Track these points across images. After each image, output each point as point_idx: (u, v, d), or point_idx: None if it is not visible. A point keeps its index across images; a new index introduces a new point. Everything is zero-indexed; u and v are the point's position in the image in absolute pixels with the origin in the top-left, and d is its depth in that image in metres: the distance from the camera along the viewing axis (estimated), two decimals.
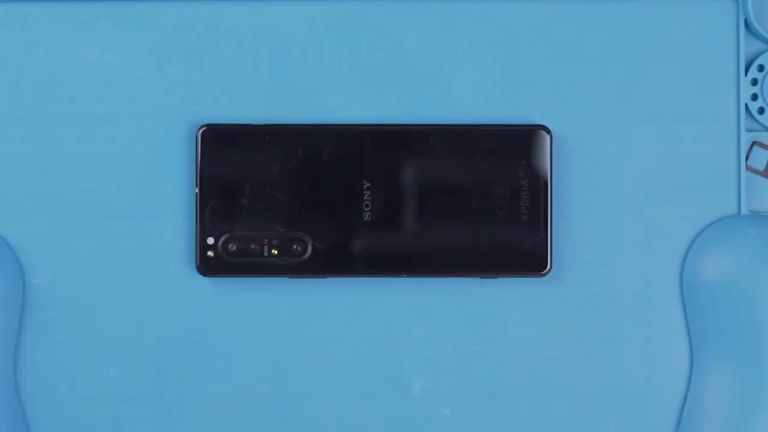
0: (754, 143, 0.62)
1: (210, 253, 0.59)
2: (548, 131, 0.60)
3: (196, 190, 0.59)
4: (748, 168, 0.61)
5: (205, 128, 0.59)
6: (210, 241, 0.59)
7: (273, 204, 0.59)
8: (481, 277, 0.60)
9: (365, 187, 0.59)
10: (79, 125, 0.61)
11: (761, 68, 0.61)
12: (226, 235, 0.59)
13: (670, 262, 0.61)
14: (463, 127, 0.60)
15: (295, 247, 0.59)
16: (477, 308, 0.61)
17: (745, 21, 0.61)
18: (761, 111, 0.62)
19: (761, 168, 0.62)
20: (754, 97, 0.62)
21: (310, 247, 0.59)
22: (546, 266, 0.59)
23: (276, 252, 0.59)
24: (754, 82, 0.62)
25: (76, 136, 0.61)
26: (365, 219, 0.59)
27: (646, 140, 0.61)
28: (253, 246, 0.59)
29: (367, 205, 0.59)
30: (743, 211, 0.61)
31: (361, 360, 0.61)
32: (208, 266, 0.59)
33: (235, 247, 0.59)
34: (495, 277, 0.60)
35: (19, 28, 0.61)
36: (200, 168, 0.59)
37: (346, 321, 0.61)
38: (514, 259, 0.59)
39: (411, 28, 0.61)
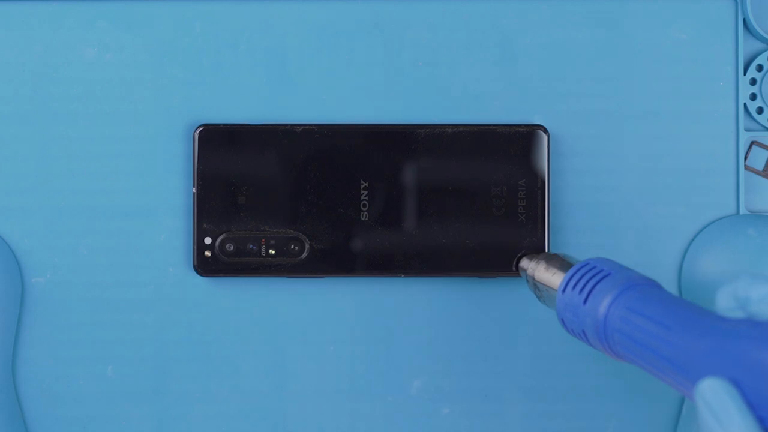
0: (752, 143, 0.62)
1: (207, 253, 0.59)
2: (546, 131, 0.60)
3: (194, 189, 0.59)
4: (746, 168, 0.61)
5: (202, 128, 0.60)
6: (207, 240, 0.59)
7: (270, 204, 0.59)
8: (478, 277, 0.60)
9: (362, 186, 0.59)
10: (78, 125, 0.61)
11: (760, 68, 0.61)
12: (224, 235, 0.59)
13: (668, 262, 0.61)
14: (460, 126, 0.60)
15: (292, 247, 0.59)
16: (475, 308, 0.61)
17: (744, 21, 0.61)
18: (760, 111, 0.61)
19: (760, 168, 0.62)
20: (753, 96, 0.61)
21: (307, 247, 0.59)
22: None
23: (273, 252, 0.59)
24: (753, 81, 0.61)
25: (74, 135, 0.61)
26: (363, 219, 0.59)
27: (645, 140, 0.61)
28: (251, 246, 0.59)
29: (364, 205, 0.59)
30: (742, 210, 0.61)
31: (359, 360, 0.61)
32: (205, 266, 0.59)
33: (232, 247, 0.59)
34: (493, 277, 0.60)
35: (18, 28, 0.61)
36: (197, 168, 0.59)
37: (343, 321, 0.61)
38: (512, 259, 0.59)
39: (408, 28, 0.61)
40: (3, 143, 0.61)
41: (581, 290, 0.48)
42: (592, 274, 0.49)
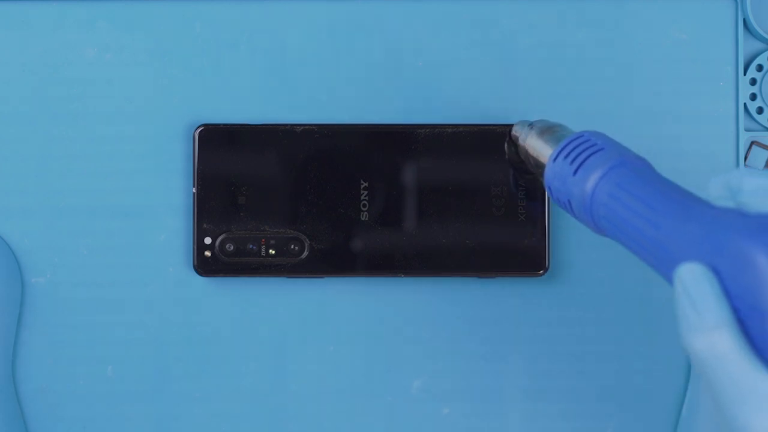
0: (752, 143, 0.62)
1: (207, 253, 0.59)
2: None
3: (194, 189, 0.59)
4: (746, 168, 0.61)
5: (202, 128, 0.60)
6: (207, 241, 0.59)
7: (270, 204, 0.59)
8: (479, 278, 0.60)
9: (362, 186, 0.59)
10: (78, 125, 0.61)
11: (760, 68, 0.61)
12: (224, 235, 0.59)
13: None
14: (460, 126, 0.60)
15: (292, 247, 0.59)
16: (475, 308, 0.61)
17: (744, 21, 0.61)
18: (760, 111, 0.61)
19: (760, 168, 0.62)
20: (753, 96, 0.61)
21: (307, 247, 0.59)
22: (544, 266, 0.59)
23: (273, 252, 0.59)
24: (753, 81, 0.61)
25: (74, 135, 0.61)
26: (362, 219, 0.59)
27: (644, 140, 0.61)
28: (251, 246, 0.59)
29: (364, 205, 0.59)
30: None
31: (359, 360, 0.61)
32: (205, 266, 0.59)
33: (232, 247, 0.59)
34: (493, 278, 0.60)
35: (18, 28, 0.61)
36: (197, 168, 0.59)
37: (343, 321, 0.61)
38: (512, 259, 0.59)
39: (408, 28, 0.61)
40: (3, 143, 0.61)
41: (573, 161, 0.48)
42: (585, 147, 0.49)
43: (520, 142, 0.55)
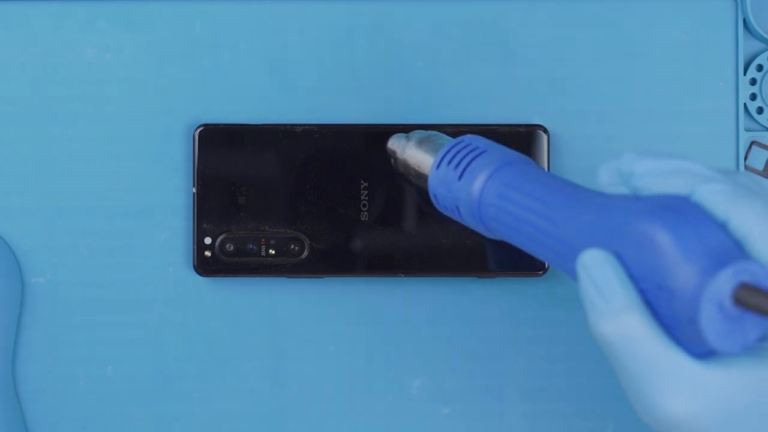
0: (752, 143, 0.62)
1: (207, 253, 0.59)
2: (546, 131, 0.60)
3: (194, 189, 0.59)
4: (746, 168, 0.61)
5: (202, 128, 0.60)
6: (207, 240, 0.59)
7: (270, 204, 0.59)
8: (479, 278, 0.60)
9: (362, 186, 0.59)
10: (78, 125, 0.61)
11: (760, 68, 0.61)
12: (224, 235, 0.59)
13: None
14: (460, 126, 0.60)
15: (292, 247, 0.59)
16: (475, 308, 0.61)
17: (744, 21, 0.61)
18: (760, 111, 0.61)
19: (760, 168, 0.62)
20: (753, 96, 0.61)
21: (307, 247, 0.59)
22: (544, 266, 0.59)
23: (273, 252, 0.59)
24: (753, 81, 0.61)
25: (74, 135, 0.61)
26: (362, 219, 0.59)
27: (645, 140, 0.61)
28: (251, 246, 0.59)
29: (364, 205, 0.59)
30: None
31: (359, 360, 0.61)
32: (205, 266, 0.59)
33: (232, 247, 0.59)
34: (493, 277, 0.60)
35: (18, 28, 0.61)
36: (198, 168, 0.59)
37: (344, 321, 0.61)
38: (512, 259, 0.59)
39: (408, 28, 0.61)
40: (3, 143, 0.61)
41: (456, 166, 0.48)
42: (468, 151, 0.48)
43: (399, 155, 0.55)
